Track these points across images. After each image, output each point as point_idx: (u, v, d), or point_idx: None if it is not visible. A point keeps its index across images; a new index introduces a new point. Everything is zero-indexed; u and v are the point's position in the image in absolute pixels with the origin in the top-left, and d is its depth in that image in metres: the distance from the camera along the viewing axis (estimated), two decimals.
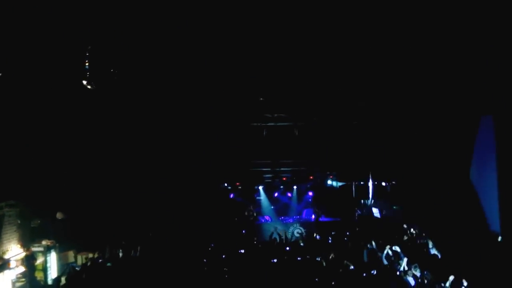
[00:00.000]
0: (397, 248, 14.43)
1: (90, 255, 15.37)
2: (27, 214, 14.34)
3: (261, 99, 16.02)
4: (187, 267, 13.94)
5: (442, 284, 10.81)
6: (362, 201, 22.08)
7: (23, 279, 13.41)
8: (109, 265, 14.41)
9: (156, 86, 13.67)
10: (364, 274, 12.27)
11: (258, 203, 23.33)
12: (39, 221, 15.24)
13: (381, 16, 10.58)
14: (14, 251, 13.47)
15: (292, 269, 13.42)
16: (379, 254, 14.42)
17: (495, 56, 12.37)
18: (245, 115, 18.00)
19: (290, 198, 23.76)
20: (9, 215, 13.49)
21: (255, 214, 22.43)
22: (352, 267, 13.34)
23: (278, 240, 17.72)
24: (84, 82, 10.35)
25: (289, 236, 19.47)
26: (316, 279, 12.34)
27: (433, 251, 14.52)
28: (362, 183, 21.83)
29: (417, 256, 13.74)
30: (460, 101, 15.68)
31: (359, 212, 21.27)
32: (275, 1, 9.87)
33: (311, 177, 23.38)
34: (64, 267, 14.75)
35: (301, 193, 23.60)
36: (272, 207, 23.32)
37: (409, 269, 12.18)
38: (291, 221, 22.33)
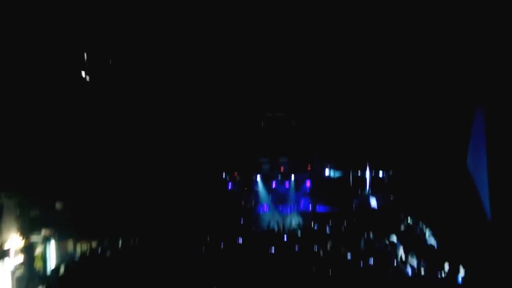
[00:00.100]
0: (394, 238, 14.56)
1: (90, 245, 15.43)
2: (26, 204, 14.35)
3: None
4: (186, 256, 14.01)
5: (439, 273, 10.91)
6: (359, 191, 22.15)
7: (22, 269, 13.46)
8: (108, 255, 14.47)
9: (156, 75, 13.68)
10: (361, 264, 12.35)
11: (256, 193, 23.40)
12: (38, 211, 15.25)
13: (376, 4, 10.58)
14: (13, 241, 13.49)
15: (289, 259, 13.51)
16: (376, 243, 14.54)
17: (490, 45, 12.39)
18: (243, 107, 18.03)
19: (287, 188, 23.83)
20: (8, 205, 13.50)
21: (253, 204, 22.52)
22: (349, 256, 13.46)
23: (276, 230, 17.82)
24: (83, 73, 10.39)
25: (286, 226, 19.58)
26: (314, 269, 12.42)
27: (430, 241, 14.63)
28: (359, 173, 21.89)
29: (414, 246, 13.85)
30: (456, 88, 15.65)
31: (357, 202, 21.35)
32: None
33: (309, 167, 23.43)
34: (63, 257, 14.81)
35: (299, 183, 23.67)
36: (270, 197, 23.40)
37: (406, 258, 12.30)
38: (288, 211, 22.43)
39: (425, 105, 17.12)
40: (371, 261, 12.89)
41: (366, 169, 21.60)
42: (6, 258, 12.83)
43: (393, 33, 11.79)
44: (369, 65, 13.87)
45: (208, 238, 16.86)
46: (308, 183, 23.51)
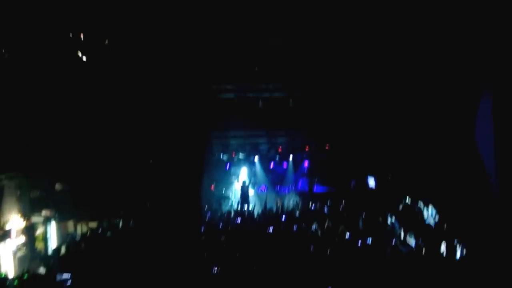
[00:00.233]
0: (393, 217, 14.67)
1: (90, 225, 15.54)
2: (26, 186, 14.41)
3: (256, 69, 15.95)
4: (184, 236, 14.10)
5: (437, 252, 11.05)
6: (357, 171, 22.14)
7: (24, 249, 13.60)
8: (108, 235, 14.59)
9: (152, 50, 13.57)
10: (360, 243, 12.48)
11: (253, 173, 23.47)
12: (38, 192, 15.32)
13: None
14: (14, 222, 13.58)
15: (287, 238, 13.64)
16: (375, 223, 14.66)
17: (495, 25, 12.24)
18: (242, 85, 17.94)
19: (285, 168, 23.89)
20: (8, 187, 13.56)
21: (250, 184, 22.60)
22: (348, 235, 13.58)
23: (274, 210, 17.95)
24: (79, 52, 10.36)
25: (285, 206, 19.69)
26: (311, 248, 12.54)
27: (429, 220, 14.74)
28: (358, 153, 21.81)
29: (412, 225, 13.96)
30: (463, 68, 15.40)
31: (354, 183, 21.41)
32: None
33: (307, 148, 23.44)
34: (64, 237, 14.93)
35: (297, 164, 23.72)
36: (268, 177, 23.49)
37: (404, 237, 12.43)
38: (286, 191, 22.54)
39: (428, 82, 16.91)
40: (369, 241, 13.02)
41: (364, 149, 21.54)
42: (8, 239, 12.95)
43: (397, 13, 11.65)
44: (370, 40, 13.69)
45: (206, 218, 17.00)
46: (306, 163, 23.56)
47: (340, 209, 17.87)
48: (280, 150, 23.36)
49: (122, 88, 14.99)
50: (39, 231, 14.41)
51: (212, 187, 21.96)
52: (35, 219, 14.42)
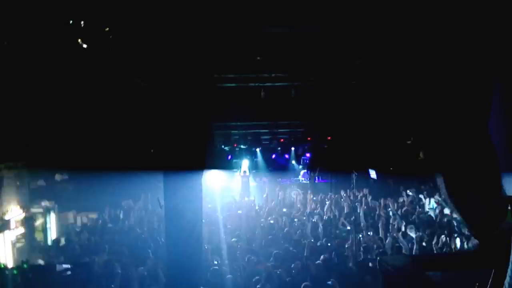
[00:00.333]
0: (394, 209, 14.62)
1: (90, 216, 15.49)
2: (26, 176, 14.37)
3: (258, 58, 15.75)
4: (185, 224, 14.02)
5: (438, 245, 10.98)
6: (358, 163, 22.05)
7: (23, 240, 13.57)
8: (109, 226, 14.53)
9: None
10: (360, 235, 12.42)
11: (255, 164, 23.42)
12: (38, 183, 15.29)
13: None
14: (14, 212, 13.55)
15: (288, 228, 13.60)
16: (375, 215, 14.60)
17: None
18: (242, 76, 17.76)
19: (287, 159, 23.83)
20: (8, 177, 13.52)
21: (250, 175, 22.57)
22: (348, 227, 13.54)
23: (275, 201, 17.89)
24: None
25: (286, 196, 19.62)
26: (311, 239, 12.51)
27: (430, 213, 14.68)
28: (359, 145, 21.70)
29: (413, 217, 13.91)
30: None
31: (356, 174, 21.32)
32: None
33: (309, 138, 23.32)
34: (64, 228, 14.90)
35: (299, 155, 23.66)
36: (270, 168, 23.43)
37: (405, 230, 12.36)
38: (288, 182, 22.48)
39: (428, 72, 16.73)
40: (370, 233, 12.99)
41: (366, 141, 21.42)
42: (7, 229, 12.92)
43: None
44: (372, 28, 13.41)
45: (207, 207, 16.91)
46: (308, 155, 23.50)
47: (341, 200, 17.80)
48: (282, 141, 23.24)
49: (122, 77, 14.86)
50: (38, 222, 14.38)
51: None
52: (35, 209, 14.38)
